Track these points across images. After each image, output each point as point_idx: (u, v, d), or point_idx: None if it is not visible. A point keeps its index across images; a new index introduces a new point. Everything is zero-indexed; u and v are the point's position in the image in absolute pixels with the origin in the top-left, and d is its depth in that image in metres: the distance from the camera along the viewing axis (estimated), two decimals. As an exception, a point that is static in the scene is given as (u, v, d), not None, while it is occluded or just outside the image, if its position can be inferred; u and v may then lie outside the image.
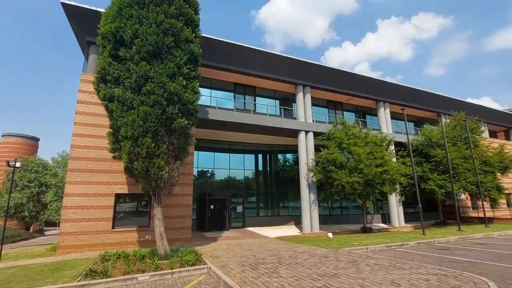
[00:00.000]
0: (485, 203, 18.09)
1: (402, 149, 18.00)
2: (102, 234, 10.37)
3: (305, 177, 15.52)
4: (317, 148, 16.17)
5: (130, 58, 8.01)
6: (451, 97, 22.52)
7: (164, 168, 7.90)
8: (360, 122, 19.38)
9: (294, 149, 18.65)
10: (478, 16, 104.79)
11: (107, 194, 10.70)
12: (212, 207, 16.17)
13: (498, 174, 19.24)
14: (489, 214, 19.18)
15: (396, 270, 6.50)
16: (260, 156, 20.32)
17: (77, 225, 10.08)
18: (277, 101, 18.59)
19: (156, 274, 6.76)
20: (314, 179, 15.36)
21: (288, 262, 7.61)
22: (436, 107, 22.67)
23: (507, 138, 28.65)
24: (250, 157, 19.95)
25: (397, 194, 17.24)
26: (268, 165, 20.63)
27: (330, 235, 13.57)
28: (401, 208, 18.14)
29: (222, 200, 16.58)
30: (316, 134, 16.48)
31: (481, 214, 18.31)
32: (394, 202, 17.86)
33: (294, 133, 16.32)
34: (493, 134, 28.19)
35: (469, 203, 22.34)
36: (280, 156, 21.32)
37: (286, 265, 7.24)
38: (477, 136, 19.65)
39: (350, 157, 14.91)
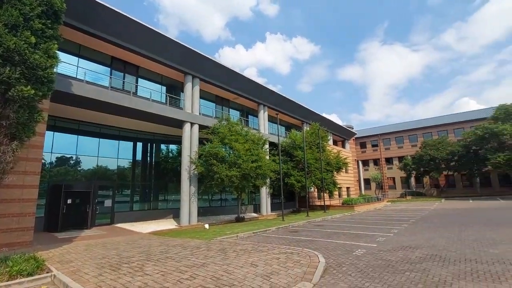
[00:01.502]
0: (325, 194, 23.77)
1: (274, 148, 20.86)
2: None
3: (187, 169, 15.34)
4: (201, 141, 16.29)
5: None
6: (312, 110, 28.11)
7: (-11, 150, 5.81)
8: (243, 120, 21.00)
9: (178, 140, 18.00)
10: (337, 50, 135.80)
11: None
12: (69, 201, 13.33)
13: (335, 172, 25.61)
14: (328, 202, 25.22)
15: (257, 253, 7.47)
16: (139, 144, 18.41)
17: None
18: (164, 88, 17.39)
19: (-40, 295, 4.89)
20: (196, 172, 15.42)
21: (157, 257, 7.28)
22: (302, 116, 27.67)
23: (343, 147, 38.65)
24: (127, 145, 17.73)
25: (267, 187, 19.96)
26: (148, 154, 19.00)
27: (206, 226, 14.03)
28: (269, 199, 21.07)
29: (85, 193, 13.97)
30: (201, 127, 16.56)
31: (322, 203, 23.83)
32: (264, 194, 20.51)
33: (179, 124, 15.79)
34: (335, 143, 37.20)
35: (316, 194, 28.64)
36: (163, 146, 20.10)
37: (154, 261, 6.90)
38: (325, 143, 25.37)
39: (231, 152, 15.92)
